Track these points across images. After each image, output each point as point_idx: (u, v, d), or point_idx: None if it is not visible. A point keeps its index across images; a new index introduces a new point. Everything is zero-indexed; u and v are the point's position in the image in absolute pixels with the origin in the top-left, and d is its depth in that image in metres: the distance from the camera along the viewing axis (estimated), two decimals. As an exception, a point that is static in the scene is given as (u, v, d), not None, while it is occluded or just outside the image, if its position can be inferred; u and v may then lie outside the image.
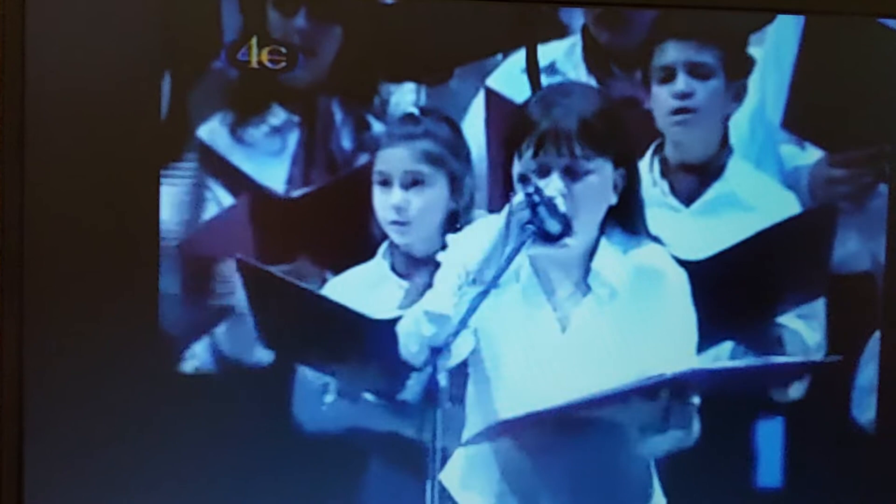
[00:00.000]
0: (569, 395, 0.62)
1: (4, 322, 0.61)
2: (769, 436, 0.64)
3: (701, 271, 0.63)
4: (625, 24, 0.63)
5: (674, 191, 0.64)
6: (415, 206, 0.63)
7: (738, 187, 0.64)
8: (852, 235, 0.63)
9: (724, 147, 0.64)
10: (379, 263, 0.63)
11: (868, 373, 0.64)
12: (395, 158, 0.62)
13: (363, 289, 0.63)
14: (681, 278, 0.63)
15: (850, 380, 0.64)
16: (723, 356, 0.64)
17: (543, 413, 0.62)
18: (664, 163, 0.64)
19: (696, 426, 0.63)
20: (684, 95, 0.63)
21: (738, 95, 0.63)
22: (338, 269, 0.63)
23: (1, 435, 0.62)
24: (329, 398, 0.63)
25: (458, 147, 0.63)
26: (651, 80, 0.63)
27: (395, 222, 0.63)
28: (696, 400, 0.63)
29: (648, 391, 0.61)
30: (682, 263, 0.63)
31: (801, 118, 0.63)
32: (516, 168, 0.61)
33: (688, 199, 0.64)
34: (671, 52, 0.63)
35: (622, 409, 0.62)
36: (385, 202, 0.62)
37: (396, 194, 0.62)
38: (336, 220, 0.63)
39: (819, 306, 0.64)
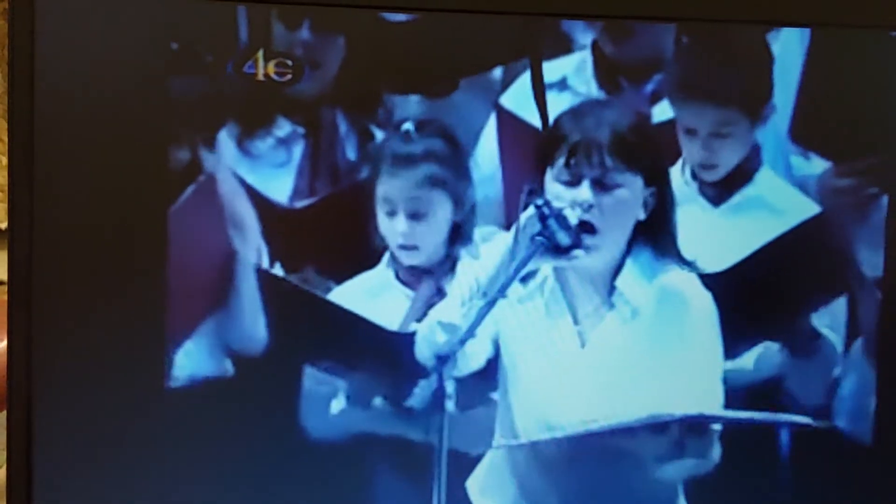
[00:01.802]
0: (585, 410, 0.62)
1: (14, 326, 0.61)
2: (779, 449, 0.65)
3: (729, 278, 0.63)
4: (636, 39, 0.62)
5: (703, 192, 0.64)
6: (421, 232, 0.63)
7: (766, 192, 0.64)
8: (857, 245, 0.64)
9: (756, 155, 0.64)
10: (383, 272, 0.63)
11: (851, 381, 0.64)
12: (398, 187, 0.62)
13: (368, 297, 0.63)
14: (707, 303, 0.63)
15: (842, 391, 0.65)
16: (761, 359, 0.64)
17: (552, 442, 0.62)
18: (693, 170, 0.64)
19: (716, 452, 0.64)
20: (708, 161, 0.63)
21: (765, 118, 0.63)
22: (341, 279, 0.63)
23: (10, 439, 0.62)
24: (338, 405, 0.63)
25: (457, 162, 0.63)
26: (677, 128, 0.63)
27: (403, 247, 0.63)
28: (717, 427, 0.63)
29: (659, 428, 0.62)
30: (711, 278, 0.63)
31: (806, 129, 0.63)
32: (548, 182, 0.62)
33: (716, 200, 0.64)
34: (692, 118, 0.63)
35: (635, 442, 0.63)
36: (392, 229, 0.63)
37: (402, 223, 0.62)
38: (340, 231, 0.63)
39: (840, 316, 0.64)
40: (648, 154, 0.62)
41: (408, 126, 0.62)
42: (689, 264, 0.63)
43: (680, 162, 0.63)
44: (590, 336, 0.63)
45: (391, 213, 0.62)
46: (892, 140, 0.63)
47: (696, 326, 0.63)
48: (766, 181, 0.64)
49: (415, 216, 0.63)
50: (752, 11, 0.62)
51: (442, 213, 0.63)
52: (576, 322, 0.63)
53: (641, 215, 0.63)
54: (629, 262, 0.63)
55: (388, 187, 0.62)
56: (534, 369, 0.63)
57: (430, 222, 0.63)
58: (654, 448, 0.63)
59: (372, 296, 0.63)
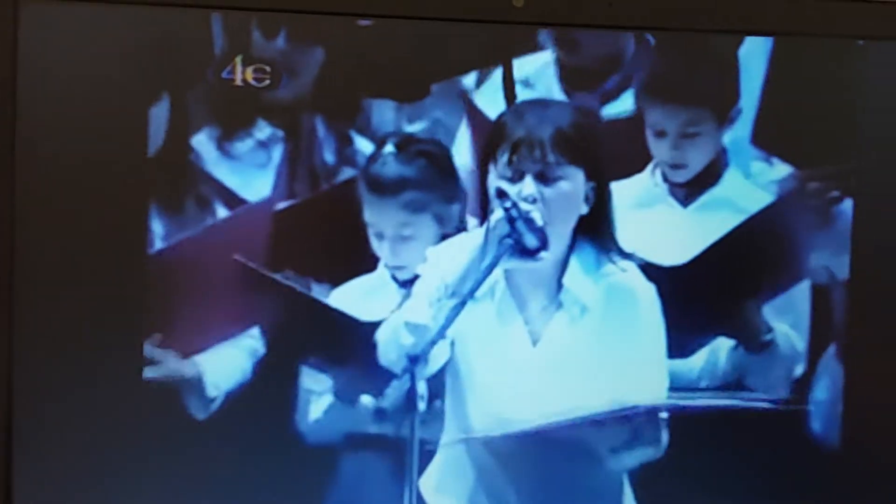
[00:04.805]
0: (539, 408, 0.63)
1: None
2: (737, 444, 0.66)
3: (679, 275, 0.64)
4: (597, 45, 0.64)
5: (673, 193, 0.65)
6: (408, 252, 0.64)
7: (732, 192, 0.65)
8: (819, 248, 0.65)
9: (723, 157, 0.65)
10: (381, 274, 0.64)
11: (818, 382, 0.65)
12: (383, 216, 0.64)
13: (362, 295, 0.64)
14: (650, 295, 0.64)
15: (809, 393, 0.65)
16: (720, 354, 0.65)
17: (512, 435, 0.63)
18: (664, 172, 0.65)
19: (664, 439, 0.64)
20: (678, 161, 0.65)
21: (732, 120, 0.65)
22: (319, 277, 0.63)
23: None
24: (318, 405, 0.64)
25: (442, 180, 0.64)
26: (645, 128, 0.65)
27: (395, 267, 0.64)
28: (665, 415, 0.64)
29: (622, 420, 0.63)
30: (658, 273, 0.64)
31: (768, 134, 0.64)
32: (492, 179, 0.63)
33: (685, 200, 0.66)
34: (661, 119, 0.64)
35: (593, 433, 0.63)
36: (382, 250, 0.64)
37: (388, 249, 0.64)
38: (318, 231, 0.64)
39: (804, 313, 0.65)
40: (590, 148, 0.63)
41: (389, 148, 0.63)
42: (628, 256, 0.64)
43: (651, 165, 0.65)
44: (541, 335, 0.64)
45: (379, 237, 0.64)
46: (854, 147, 0.64)
47: (643, 319, 0.64)
48: (732, 182, 0.65)
49: (401, 240, 0.64)
50: (720, 22, 0.64)
51: (428, 232, 0.64)
52: (526, 321, 0.64)
53: (584, 209, 0.64)
54: (574, 259, 0.64)
55: (372, 214, 0.64)
56: (487, 369, 0.64)
57: (415, 244, 0.64)
58: (604, 440, 0.63)
59: (366, 294, 0.64)
